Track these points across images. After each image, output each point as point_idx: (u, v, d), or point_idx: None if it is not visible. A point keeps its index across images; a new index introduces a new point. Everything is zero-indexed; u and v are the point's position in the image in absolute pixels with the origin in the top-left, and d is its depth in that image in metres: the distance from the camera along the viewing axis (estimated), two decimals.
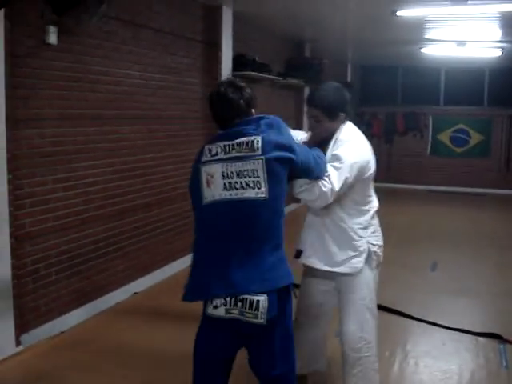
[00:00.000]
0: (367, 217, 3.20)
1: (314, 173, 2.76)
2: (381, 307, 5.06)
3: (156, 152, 5.76)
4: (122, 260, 5.33)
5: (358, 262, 3.13)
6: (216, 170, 2.49)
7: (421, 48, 9.89)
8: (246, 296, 2.41)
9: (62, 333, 4.48)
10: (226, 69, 6.86)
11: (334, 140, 3.06)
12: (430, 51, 10.10)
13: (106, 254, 5.09)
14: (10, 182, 3.89)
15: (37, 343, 4.22)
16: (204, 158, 2.55)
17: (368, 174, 3.09)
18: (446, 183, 13.13)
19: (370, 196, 3.24)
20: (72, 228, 4.66)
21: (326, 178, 2.84)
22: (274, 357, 2.56)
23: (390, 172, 13.50)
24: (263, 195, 2.45)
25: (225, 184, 2.48)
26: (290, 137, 2.67)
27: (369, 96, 13.77)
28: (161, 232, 5.93)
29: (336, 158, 2.94)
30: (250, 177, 2.46)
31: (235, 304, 2.43)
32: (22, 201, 4.12)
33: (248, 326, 2.45)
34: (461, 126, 13.06)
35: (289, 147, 2.54)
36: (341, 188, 2.89)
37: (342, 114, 3.08)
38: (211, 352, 2.58)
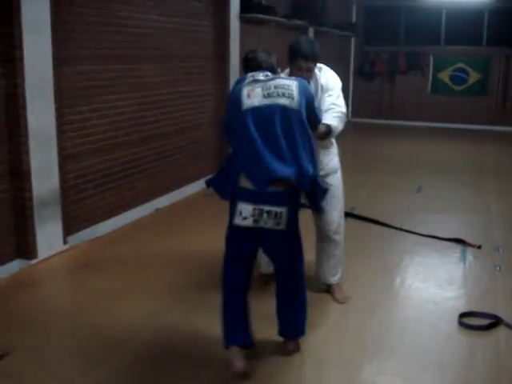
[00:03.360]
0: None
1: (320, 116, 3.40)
2: (367, 219, 6.00)
3: (173, 87, 6.58)
4: (146, 180, 6.22)
5: (337, 163, 4.05)
6: (257, 87, 3.02)
7: None
8: (270, 208, 2.97)
9: (99, 237, 5.40)
10: (234, 12, 7.57)
11: (317, 74, 3.85)
12: None
13: (132, 174, 5.98)
14: (56, 110, 4.74)
15: (79, 243, 5.15)
16: (246, 82, 3.07)
17: None
18: (445, 120, 13.79)
19: None
20: (104, 151, 5.53)
21: (334, 107, 3.69)
22: (287, 253, 3.25)
23: (392, 109, 14.19)
24: (295, 106, 2.99)
25: (264, 94, 2.99)
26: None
27: (373, 36, 14.34)
28: (178, 158, 6.80)
29: (329, 87, 3.81)
30: (285, 89, 3.00)
31: (261, 215, 2.98)
32: (65, 126, 4.98)
33: (269, 232, 3.06)
34: (460, 65, 13.65)
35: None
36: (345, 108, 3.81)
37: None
38: (240, 249, 3.21)
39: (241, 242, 3.19)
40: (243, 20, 7.92)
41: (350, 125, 14.14)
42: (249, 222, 3.02)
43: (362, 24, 14.25)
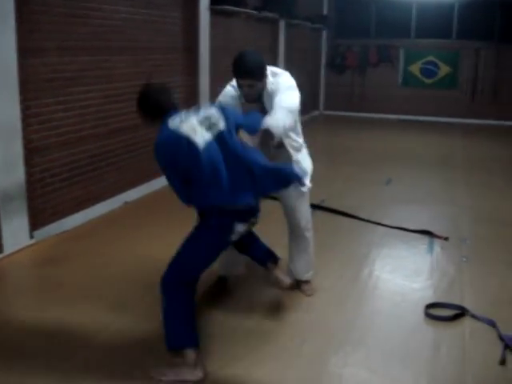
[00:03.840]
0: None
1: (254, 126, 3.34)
2: (336, 211, 6.03)
3: (142, 79, 6.47)
4: (114, 173, 6.16)
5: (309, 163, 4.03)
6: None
7: None
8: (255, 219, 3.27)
9: (66, 231, 5.33)
10: (204, 3, 7.52)
11: (267, 86, 3.66)
12: None
13: (100, 167, 5.92)
14: (21, 102, 4.66)
15: (46, 238, 5.09)
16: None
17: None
18: (415, 113, 13.94)
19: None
20: (71, 144, 5.46)
21: (277, 105, 3.47)
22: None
23: (364, 102, 14.29)
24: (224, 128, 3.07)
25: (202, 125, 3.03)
26: None
27: (344, 29, 14.37)
28: (148, 150, 6.69)
29: (275, 91, 3.60)
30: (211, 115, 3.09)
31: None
32: (30, 119, 4.90)
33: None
34: (430, 58, 13.76)
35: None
36: (298, 104, 3.61)
37: (266, 72, 3.62)
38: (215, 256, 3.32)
39: (221, 250, 3.31)
40: (213, 12, 7.87)
41: (321, 117, 14.36)
42: (240, 235, 3.24)
43: (334, 17, 14.28)
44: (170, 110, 3.07)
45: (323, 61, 14.52)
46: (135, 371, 3.12)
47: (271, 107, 3.53)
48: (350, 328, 3.68)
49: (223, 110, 3.16)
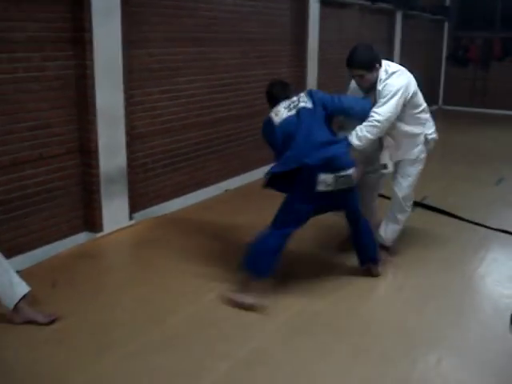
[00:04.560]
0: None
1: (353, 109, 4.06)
2: (438, 209, 5.83)
3: (248, 70, 6.63)
4: (216, 161, 6.33)
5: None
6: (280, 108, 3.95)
7: None
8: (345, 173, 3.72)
9: (165, 215, 5.56)
10: None
11: (378, 81, 4.09)
12: None
13: (202, 155, 6.10)
14: (125, 91, 4.90)
15: (145, 220, 5.33)
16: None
17: (412, 93, 4.16)
18: None
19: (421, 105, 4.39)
20: (175, 131, 5.67)
21: (372, 115, 3.94)
22: (355, 201, 4.01)
23: (486, 98, 13.61)
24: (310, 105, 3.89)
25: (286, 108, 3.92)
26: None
27: (467, 20, 13.72)
28: (251, 140, 6.85)
29: (382, 94, 4.02)
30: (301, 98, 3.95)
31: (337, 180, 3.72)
32: (135, 107, 5.15)
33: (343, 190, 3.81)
34: None
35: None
36: (391, 114, 3.98)
37: (377, 65, 4.08)
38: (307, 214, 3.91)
39: (314, 202, 3.82)
40: (324, 3, 7.83)
41: (440, 112, 13.84)
42: (331, 187, 3.73)
43: (456, 8, 13.69)
44: (279, 99, 3.99)
45: (444, 54, 13.99)
46: None
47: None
48: (430, 329, 3.57)
49: (310, 92, 4.01)
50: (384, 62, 4.16)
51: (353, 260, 4.32)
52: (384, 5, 9.55)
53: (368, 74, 4.07)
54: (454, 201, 6.19)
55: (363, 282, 4.17)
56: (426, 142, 4.51)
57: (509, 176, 7.41)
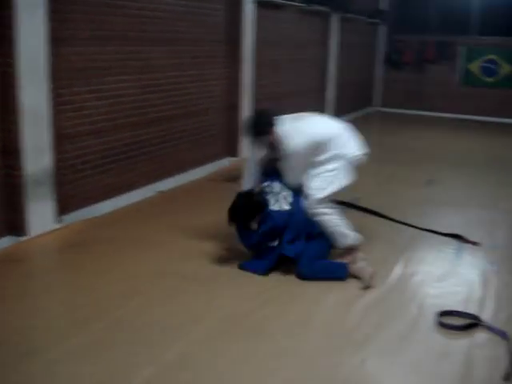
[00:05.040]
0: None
1: None
2: (368, 210, 5.91)
3: (180, 70, 6.57)
4: (148, 162, 6.24)
5: None
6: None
7: None
8: None
9: (95, 218, 5.44)
10: None
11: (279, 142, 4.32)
12: None
13: (134, 156, 6.01)
14: (52, 90, 4.76)
15: (74, 222, 5.20)
16: None
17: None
18: (474, 112, 13.49)
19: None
20: (105, 132, 5.56)
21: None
22: None
23: (421, 100, 13.96)
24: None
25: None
26: None
27: (402, 24, 14.03)
28: (184, 141, 6.80)
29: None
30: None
31: None
32: (63, 106, 5.02)
33: None
34: (491, 56, 13.30)
35: None
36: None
37: (273, 128, 4.29)
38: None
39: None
40: (260, 4, 7.84)
41: (376, 114, 14.11)
42: None
43: (391, 11, 13.97)
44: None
45: (380, 56, 14.25)
46: None
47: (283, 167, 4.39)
48: (356, 329, 3.60)
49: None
50: (284, 121, 4.36)
51: (284, 264, 4.34)
52: (320, 7, 9.63)
53: (265, 139, 4.30)
54: (384, 201, 6.31)
55: (292, 285, 4.18)
56: (348, 160, 4.50)
57: (438, 177, 7.60)
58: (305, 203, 4.36)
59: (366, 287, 4.17)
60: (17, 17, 4.31)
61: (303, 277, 4.23)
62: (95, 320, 3.56)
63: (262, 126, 4.30)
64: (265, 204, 4.31)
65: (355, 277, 4.30)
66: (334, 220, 4.46)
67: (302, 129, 4.35)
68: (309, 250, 4.29)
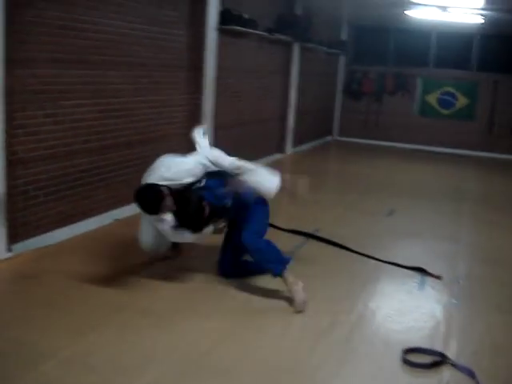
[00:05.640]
0: None
1: None
2: (329, 241, 5.82)
3: (139, 96, 6.41)
4: (105, 190, 6.04)
5: None
6: None
7: (405, 10, 10.37)
8: None
9: (48, 246, 5.20)
10: (212, 23, 7.44)
11: None
12: (414, 14, 10.59)
13: (90, 183, 5.80)
14: (5, 113, 4.56)
15: (25, 252, 4.96)
16: None
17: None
18: (431, 143, 13.71)
19: None
20: (60, 157, 5.35)
21: None
22: None
23: (379, 130, 14.12)
24: None
25: None
26: None
27: (361, 55, 14.26)
28: (143, 168, 6.58)
29: None
30: None
31: None
32: (16, 130, 4.80)
33: None
34: (448, 88, 13.57)
35: None
36: None
37: (164, 194, 4.25)
38: None
39: None
40: (222, 32, 7.79)
41: (334, 143, 14.20)
42: None
43: (351, 42, 14.16)
44: None
45: (339, 86, 14.39)
46: None
47: None
48: (319, 370, 3.47)
49: None
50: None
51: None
52: (282, 36, 9.64)
53: (165, 207, 4.25)
54: (345, 232, 6.24)
55: (253, 317, 4.04)
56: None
57: (399, 207, 7.60)
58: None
59: (298, 311, 4.18)
60: None
61: (247, 244, 4.35)
62: (45, 359, 3.33)
63: (159, 201, 4.23)
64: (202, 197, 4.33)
65: (289, 297, 4.29)
66: (257, 169, 4.66)
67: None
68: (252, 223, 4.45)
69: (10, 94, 4.63)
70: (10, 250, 4.83)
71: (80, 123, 5.55)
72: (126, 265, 4.90)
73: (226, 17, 7.74)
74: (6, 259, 4.76)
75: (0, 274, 4.57)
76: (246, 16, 8.24)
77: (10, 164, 4.74)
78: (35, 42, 4.91)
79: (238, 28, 7.99)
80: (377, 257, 5.46)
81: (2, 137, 4.56)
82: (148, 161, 6.64)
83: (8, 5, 4.46)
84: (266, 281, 4.53)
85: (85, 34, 5.47)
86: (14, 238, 4.88)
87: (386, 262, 5.37)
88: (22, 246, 4.98)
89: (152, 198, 4.23)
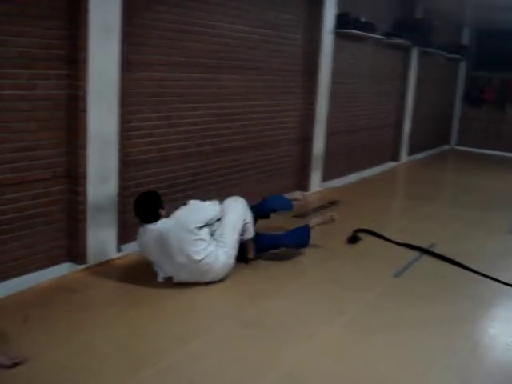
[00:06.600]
0: None
1: None
2: (446, 258, 5.46)
3: (253, 100, 6.36)
4: (217, 194, 6.01)
5: None
6: None
7: None
8: None
9: None
10: (328, 26, 7.26)
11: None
12: None
13: (201, 186, 5.80)
14: (121, 115, 4.62)
15: (135, 252, 4.99)
16: None
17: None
18: None
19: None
20: (172, 160, 5.39)
21: None
22: None
23: (501, 140, 13.30)
24: None
25: None
26: None
27: (484, 61, 13.43)
28: (254, 173, 6.57)
29: None
30: None
31: None
32: (130, 132, 4.87)
33: None
34: None
35: None
36: None
37: (160, 208, 4.42)
38: None
39: None
40: (338, 35, 7.59)
41: (452, 152, 13.55)
42: None
43: (473, 47, 13.44)
44: None
45: (458, 93, 13.73)
46: None
47: None
48: None
49: None
50: None
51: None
52: (400, 40, 9.29)
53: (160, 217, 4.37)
54: (462, 249, 5.84)
55: (367, 342, 3.82)
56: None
57: None
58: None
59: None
60: (90, 38, 4.19)
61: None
62: (146, 365, 3.29)
63: (156, 210, 4.37)
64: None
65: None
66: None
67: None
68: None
69: (126, 96, 4.68)
70: (119, 249, 4.89)
71: (194, 126, 5.56)
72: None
73: (342, 20, 7.54)
74: (116, 258, 4.83)
75: (109, 272, 4.62)
76: (362, 19, 7.98)
77: (124, 166, 4.80)
78: (152, 45, 4.95)
79: (355, 32, 7.76)
80: (500, 279, 5.05)
81: (117, 139, 4.61)
82: (260, 165, 6.64)
83: (125, 8, 4.51)
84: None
85: (202, 38, 5.48)
86: (123, 238, 4.94)
87: (508, 284, 4.96)
88: (131, 247, 5.03)
89: (151, 203, 4.41)
